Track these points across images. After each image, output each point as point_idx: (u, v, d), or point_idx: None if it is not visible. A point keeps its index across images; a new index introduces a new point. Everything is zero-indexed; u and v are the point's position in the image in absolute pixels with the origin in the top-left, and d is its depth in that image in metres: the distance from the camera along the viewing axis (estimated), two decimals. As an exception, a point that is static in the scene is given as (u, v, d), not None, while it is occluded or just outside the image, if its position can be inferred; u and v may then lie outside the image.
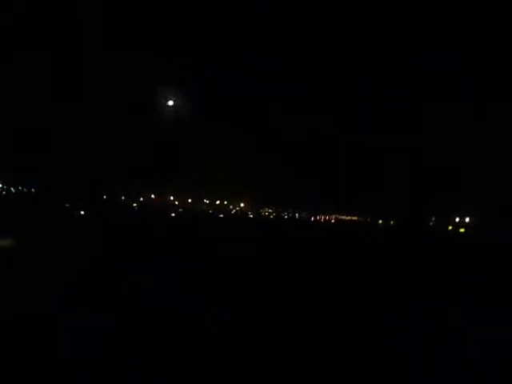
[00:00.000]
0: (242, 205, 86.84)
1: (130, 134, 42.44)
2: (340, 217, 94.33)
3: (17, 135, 36.90)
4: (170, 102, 29.09)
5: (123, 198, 57.56)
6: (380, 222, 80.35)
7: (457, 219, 70.58)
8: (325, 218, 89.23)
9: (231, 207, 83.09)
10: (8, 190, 42.55)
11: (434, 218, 73.65)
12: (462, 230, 61.49)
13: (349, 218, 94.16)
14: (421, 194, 62.37)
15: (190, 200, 73.84)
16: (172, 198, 70.09)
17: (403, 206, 67.75)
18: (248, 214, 67.58)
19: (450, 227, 67.04)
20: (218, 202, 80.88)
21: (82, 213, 27.02)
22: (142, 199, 61.46)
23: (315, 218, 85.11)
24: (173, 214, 39.72)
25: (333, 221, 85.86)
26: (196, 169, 62.20)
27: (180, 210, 51.38)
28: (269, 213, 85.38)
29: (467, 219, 68.87)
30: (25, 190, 45.23)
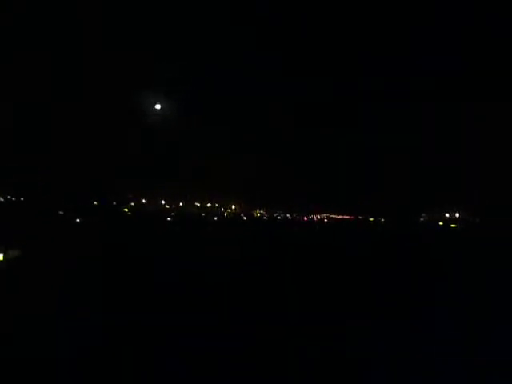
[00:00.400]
0: (233, 207, 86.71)
1: (121, 136, 41.85)
2: (332, 216, 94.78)
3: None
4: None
5: (114, 203, 56.73)
6: (371, 219, 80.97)
7: (447, 215, 71.56)
8: (317, 218, 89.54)
9: (222, 209, 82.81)
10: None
11: (425, 215, 74.48)
12: (453, 226, 62.22)
13: (340, 216, 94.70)
14: (415, 192, 63.01)
15: (181, 203, 73.35)
16: (163, 201, 69.46)
17: (397, 204, 68.39)
18: (241, 216, 67.26)
19: (441, 223, 67.88)
20: (209, 205, 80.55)
21: (77, 220, 26.37)
22: (132, 204, 60.71)
23: (308, 217, 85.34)
24: (168, 219, 39.21)
25: (326, 220, 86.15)
26: (187, 171, 61.85)
27: (172, 214, 50.76)
28: (261, 214, 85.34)
29: (457, 214, 69.89)
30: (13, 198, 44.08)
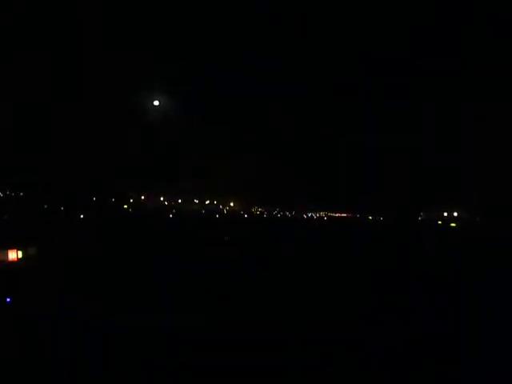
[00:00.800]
0: (231, 204, 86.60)
1: (120, 134, 41.70)
2: (330, 214, 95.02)
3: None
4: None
5: (113, 199, 56.50)
6: (370, 218, 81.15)
7: (445, 214, 71.83)
8: (316, 216, 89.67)
9: (221, 207, 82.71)
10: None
11: (423, 213, 74.76)
12: (452, 225, 62.38)
13: (338, 215, 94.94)
14: (414, 192, 63.16)
15: (180, 201, 73.22)
16: (162, 198, 69.32)
17: (396, 203, 68.57)
18: (242, 214, 67.10)
19: (440, 222, 68.08)
20: (207, 202, 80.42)
21: (82, 216, 26.20)
22: (132, 200, 60.45)
23: (307, 215, 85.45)
24: (170, 215, 39.03)
25: (325, 218, 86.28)
26: (187, 170, 61.76)
27: (173, 210, 50.58)
28: (260, 212, 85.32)
29: (455, 213, 70.15)
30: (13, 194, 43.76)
